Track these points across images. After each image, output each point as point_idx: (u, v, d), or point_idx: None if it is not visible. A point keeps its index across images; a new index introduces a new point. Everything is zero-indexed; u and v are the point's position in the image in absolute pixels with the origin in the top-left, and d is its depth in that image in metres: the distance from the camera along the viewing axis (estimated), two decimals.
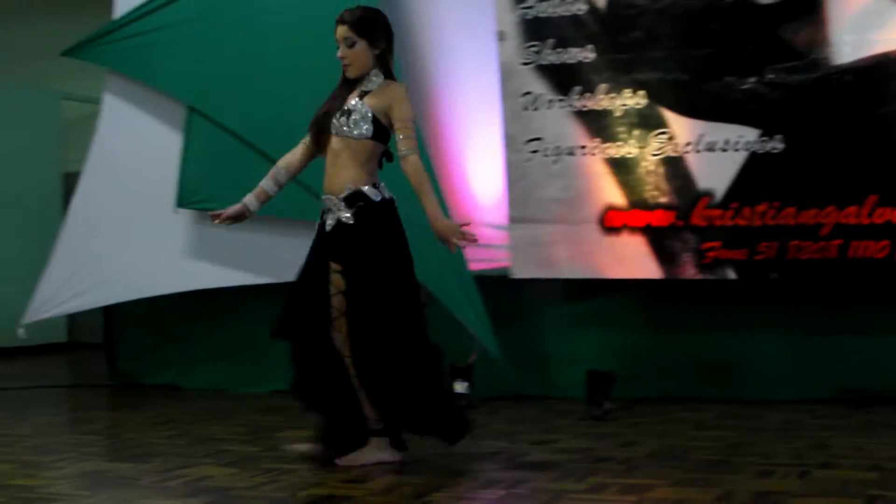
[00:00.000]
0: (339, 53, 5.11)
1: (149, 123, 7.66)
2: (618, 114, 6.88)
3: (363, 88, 5.11)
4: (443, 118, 7.35)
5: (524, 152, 7.05)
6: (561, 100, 6.97)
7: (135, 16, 7.49)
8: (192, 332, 8.11)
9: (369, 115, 5.04)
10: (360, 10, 5.12)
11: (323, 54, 7.19)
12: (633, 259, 6.90)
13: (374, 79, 5.12)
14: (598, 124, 6.91)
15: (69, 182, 10.08)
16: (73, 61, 7.74)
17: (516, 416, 6.64)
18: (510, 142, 7.07)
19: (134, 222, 7.60)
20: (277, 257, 7.47)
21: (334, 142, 5.09)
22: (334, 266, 5.00)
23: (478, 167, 7.31)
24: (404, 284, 5.08)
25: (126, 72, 7.66)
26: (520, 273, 7.09)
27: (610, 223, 6.91)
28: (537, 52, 7.01)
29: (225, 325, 8.10)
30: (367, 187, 5.05)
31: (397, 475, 4.80)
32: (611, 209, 6.92)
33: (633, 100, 6.86)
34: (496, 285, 7.22)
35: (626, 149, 6.88)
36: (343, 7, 5.19)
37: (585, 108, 6.93)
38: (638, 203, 6.88)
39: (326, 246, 5.05)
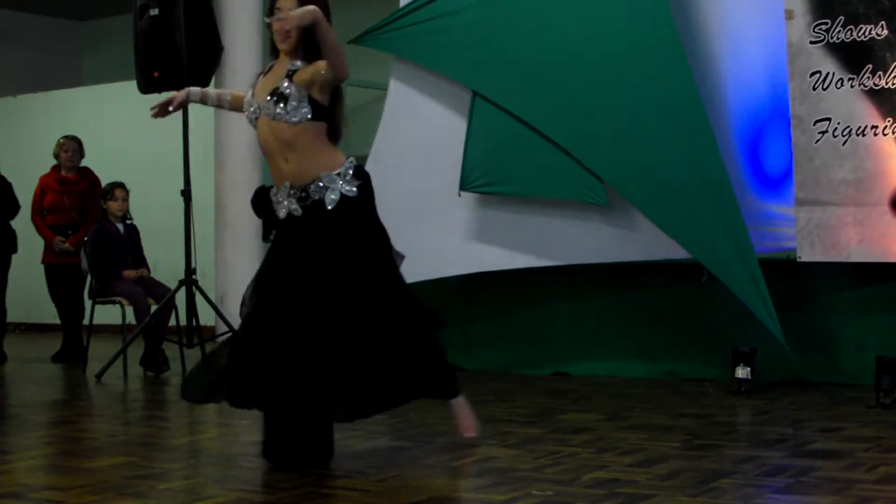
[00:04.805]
0: (279, 24, 4.85)
1: (433, 108, 7.80)
2: None
3: (290, 68, 4.90)
4: (730, 99, 7.23)
5: (812, 133, 6.87)
6: (851, 79, 6.76)
7: (421, 2, 7.63)
8: (476, 313, 8.24)
9: (304, 95, 4.86)
10: None
11: (610, 37, 7.23)
12: None
13: (297, 62, 4.90)
14: (891, 103, 6.65)
15: None
16: (358, 49, 7.95)
17: (801, 402, 6.51)
18: (797, 122, 6.90)
19: (418, 206, 7.74)
20: (561, 239, 7.52)
21: (279, 128, 4.89)
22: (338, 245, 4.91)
23: (764, 148, 7.17)
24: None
25: (412, 58, 7.82)
26: (806, 256, 6.92)
27: None
28: (827, 30, 6.81)
29: (508, 307, 8.20)
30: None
31: (684, 460, 4.77)
32: None
33: None
34: (781, 268, 7.09)
35: None
36: None
37: (877, 87, 6.70)
38: None
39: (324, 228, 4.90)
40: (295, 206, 4.90)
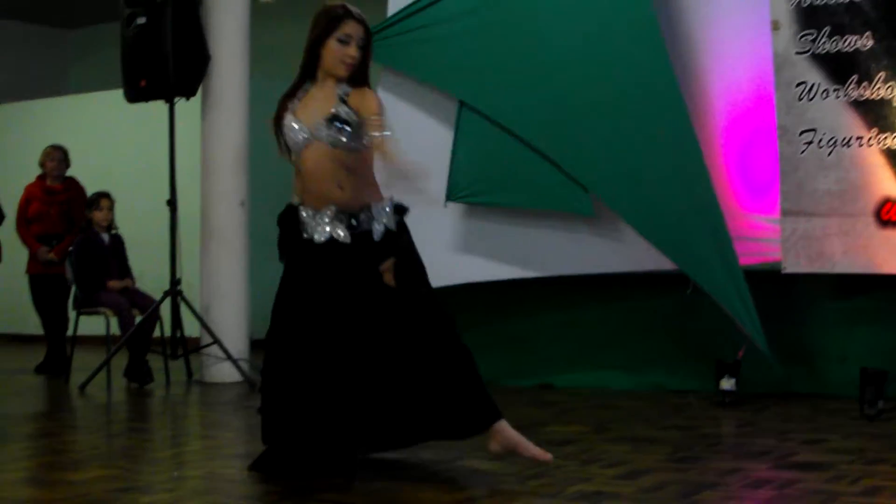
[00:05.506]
0: (353, 52, 4.80)
1: (420, 118, 7.78)
2: None
3: (341, 93, 4.84)
4: (716, 110, 7.23)
5: (798, 144, 6.88)
6: (837, 89, 6.77)
7: (408, 12, 7.61)
8: (461, 324, 8.17)
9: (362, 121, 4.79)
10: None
11: (597, 48, 7.22)
12: None
13: (345, 86, 4.86)
14: (876, 114, 6.67)
15: None
16: None
17: (785, 413, 6.51)
18: (783, 133, 6.91)
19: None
20: (547, 250, 7.51)
21: (339, 154, 4.81)
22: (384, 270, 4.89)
23: (750, 159, 7.18)
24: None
25: (399, 67, 7.79)
26: (791, 267, 6.93)
27: (887, 216, 6.66)
28: (812, 41, 6.82)
29: (493, 319, 8.19)
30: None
31: (668, 472, 4.77)
32: (888, 201, 6.67)
33: None
34: (766, 279, 7.08)
35: None
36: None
37: (863, 98, 6.71)
38: None
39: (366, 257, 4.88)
40: (343, 233, 4.82)
